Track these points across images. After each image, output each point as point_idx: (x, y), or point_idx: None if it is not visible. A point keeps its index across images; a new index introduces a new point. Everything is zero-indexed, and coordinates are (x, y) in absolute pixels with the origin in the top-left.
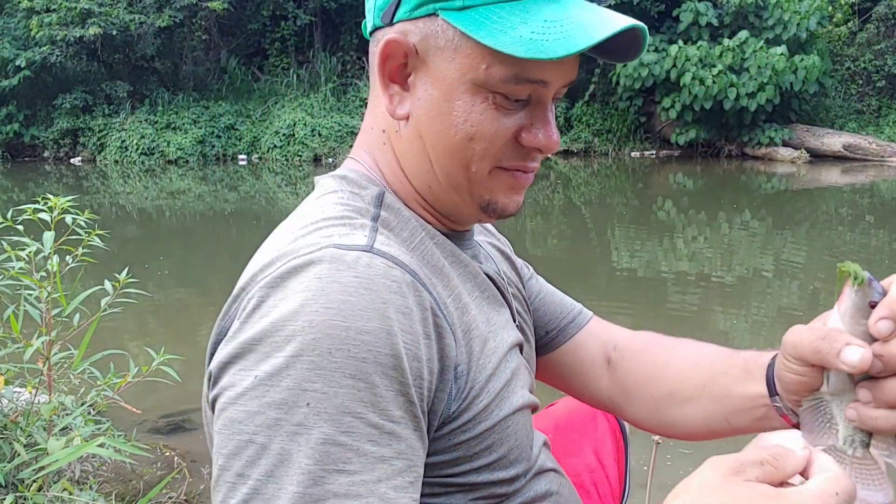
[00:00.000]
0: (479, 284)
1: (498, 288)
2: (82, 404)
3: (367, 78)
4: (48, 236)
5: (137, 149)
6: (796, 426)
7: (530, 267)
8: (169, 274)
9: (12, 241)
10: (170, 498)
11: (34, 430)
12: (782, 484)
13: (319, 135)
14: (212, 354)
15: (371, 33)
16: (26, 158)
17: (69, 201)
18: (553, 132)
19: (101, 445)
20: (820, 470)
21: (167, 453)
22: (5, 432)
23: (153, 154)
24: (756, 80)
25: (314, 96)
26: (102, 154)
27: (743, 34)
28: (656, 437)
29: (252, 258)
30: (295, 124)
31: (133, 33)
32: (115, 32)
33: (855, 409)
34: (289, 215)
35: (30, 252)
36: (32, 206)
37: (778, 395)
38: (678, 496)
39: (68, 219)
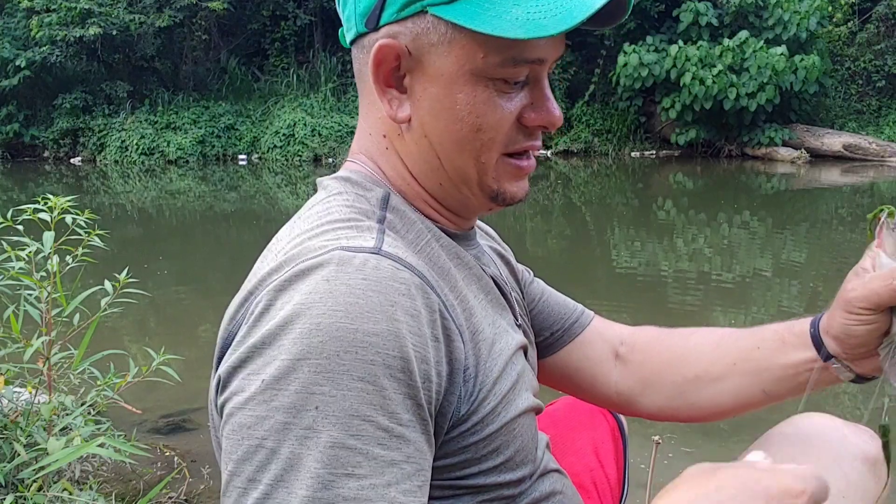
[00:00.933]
0: (484, 287)
1: (501, 290)
2: (82, 404)
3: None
4: (48, 236)
5: (137, 149)
6: (853, 381)
7: (531, 271)
8: (168, 274)
9: (12, 241)
10: (170, 498)
11: (34, 430)
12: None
13: (319, 135)
14: (219, 359)
15: (353, 41)
16: (26, 158)
17: (69, 201)
18: (554, 107)
19: (101, 445)
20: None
21: (167, 453)
22: (5, 432)
23: (153, 154)
24: (756, 80)
25: (314, 96)
26: (102, 154)
27: (743, 34)
28: (656, 437)
29: (258, 261)
30: (295, 124)
31: (133, 33)
32: (115, 32)
33: None
34: (292, 217)
35: (30, 252)
36: (32, 206)
37: (833, 356)
38: (683, 479)
39: (68, 219)
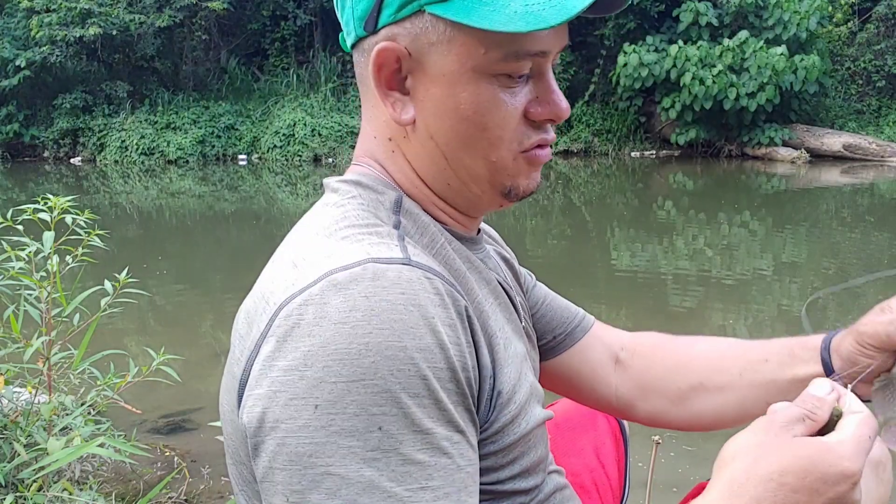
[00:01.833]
0: (493, 291)
1: (507, 295)
2: (82, 404)
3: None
4: (48, 236)
5: (137, 149)
6: None
7: (532, 275)
8: (168, 274)
9: (12, 241)
10: (170, 498)
11: (34, 430)
12: (823, 430)
13: (319, 135)
14: (243, 369)
15: (354, 45)
16: (26, 158)
17: (69, 201)
18: (560, 98)
19: (101, 445)
20: (850, 411)
21: (167, 453)
22: (5, 432)
23: (153, 154)
24: (756, 80)
25: (314, 96)
26: (102, 154)
27: (743, 34)
28: (656, 437)
29: (270, 265)
30: (295, 124)
31: (133, 33)
32: (115, 32)
33: None
34: (302, 218)
35: (30, 252)
36: (32, 206)
37: (834, 371)
38: (735, 458)
39: (68, 219)
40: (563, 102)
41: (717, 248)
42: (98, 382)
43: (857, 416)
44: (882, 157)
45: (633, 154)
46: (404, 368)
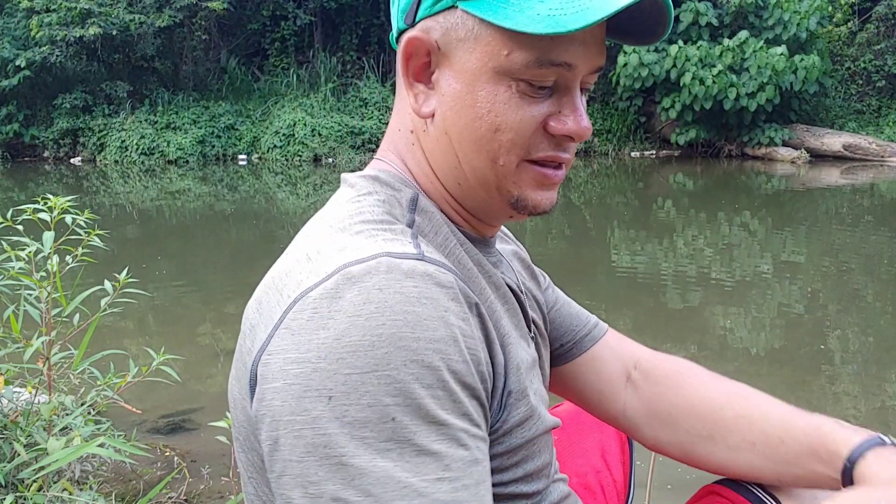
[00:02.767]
0: (502, 295)
1: (518, 300)
2: (82, 404)
3: (368, 78)
4: (48, 236)
5: (137, 149)
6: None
7: (546, 276)
8: (168, 274)
9: (12, 241)
10: (170, 498)
11: (34, 430)
12: None
13: (319, 135)
14: (254, 360)
15: (397, 39)
16: (26, 158)
17: (69, 201)
18: (583, 118)
19: (101, 445)
20: None
21: (167, 453)
22: (5, 432)
23: (153, 154)
24: (756, 80)
25: (314, 96)
26: (102, 154)
27: (743, 34)
28: None
29: (283, 258)
30: (295, 124)
31: (133, 33)
32: (115, 32)
33: None
34: (318, 212)
35: (30, 252)
36: (32, 206)
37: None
38: (891, 484)
39: (68, 219)
40: (585, 121)
41: (717, 249)
42: (98, 382)
43: None
44: (882, 157)
45: (633, 154)
46: (417, 360)
